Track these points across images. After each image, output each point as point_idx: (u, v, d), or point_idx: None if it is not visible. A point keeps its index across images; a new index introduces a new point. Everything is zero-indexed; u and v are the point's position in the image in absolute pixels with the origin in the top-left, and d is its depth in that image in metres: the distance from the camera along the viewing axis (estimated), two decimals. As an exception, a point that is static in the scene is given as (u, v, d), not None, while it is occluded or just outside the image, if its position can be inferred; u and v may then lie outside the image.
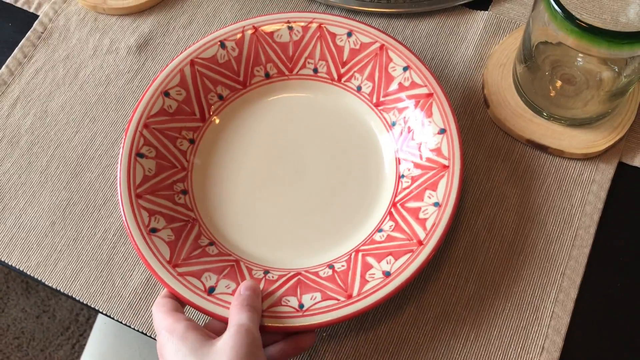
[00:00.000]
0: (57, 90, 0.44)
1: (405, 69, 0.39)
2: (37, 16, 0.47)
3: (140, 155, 0.38)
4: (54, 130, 0.43)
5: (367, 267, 0.35)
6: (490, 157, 0.40)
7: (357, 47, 0.40)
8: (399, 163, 0.38)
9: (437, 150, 0.37)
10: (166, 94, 0.39)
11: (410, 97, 0.38)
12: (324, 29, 0.40)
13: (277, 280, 0.35)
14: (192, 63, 0.40)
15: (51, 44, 0.46)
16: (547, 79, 0.40)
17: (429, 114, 0.38)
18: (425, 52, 0.44)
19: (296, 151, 0.40)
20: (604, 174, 0.39)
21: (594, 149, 0.39)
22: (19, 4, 0.48)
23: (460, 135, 0.37)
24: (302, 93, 0.41)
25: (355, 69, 0.40)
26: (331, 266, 0.36)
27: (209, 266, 0.36)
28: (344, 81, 0.41)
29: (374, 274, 0.34)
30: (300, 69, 0.41)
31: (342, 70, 0.40)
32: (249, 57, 0.41)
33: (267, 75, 0.41)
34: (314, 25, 0.40)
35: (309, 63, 0.41)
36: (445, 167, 0.36)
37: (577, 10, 0.42)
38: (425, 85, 0.38)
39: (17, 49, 0.46)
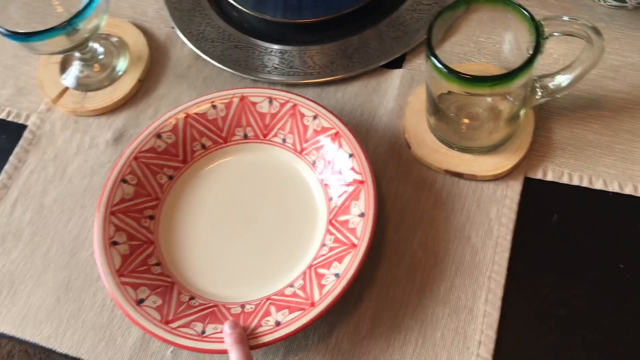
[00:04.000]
0: (49, 186, 0.52)
1: (314, 117, 0.48)
2: (26, 126, 0.55)
3: (124, 180, 0.47)
4: (50, 220, 0.50)
5: (320, 276, 0.43)
6: (418, 189, 0.48)
7: (276, 110, 0.49)
8: (328, 187, 0.47)
9: (352, 170, 0.46)
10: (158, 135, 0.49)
11: (324, 137, 0.48)
12: (246, 100, 0.50)
13: (254, 310, 0.43)
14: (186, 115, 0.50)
15: (41, 147, 0.54)
16: (454, 120, 0.48)
17: (340, 146, 0.47)
18: (355, 110, 0.52)
19: (244, 203, 0.48)
20: (514, 189, 0.47)
21: (501, 170, 0.47)
22: (10, 118, 0.56)
23: (367, 157, 0.46)
24: (238, 154, 0.50)
25: (278, 126, 0.50)
26: (292, 285, 0.44)
27: (196, 316, 0.43)
28: (270, 138, 0.50)
29: (327, 278, 0.42)
30: (232, 136, 0.50)
31: (266, 131, 0.50)
32: (185, 137, 0.50)
33: (204, 147, 0.50)
34: (236, 100, 0.50)
35: (238, 131, 0.50)
36: (362, 181, 0.45)
37: (461, 57, 0.51)
38: (333, 127, 0.47)
39: (12, 155, 0.54)
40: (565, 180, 0.47)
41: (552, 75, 0.46)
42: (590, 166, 0.47)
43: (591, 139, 0.48)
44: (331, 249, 0.44)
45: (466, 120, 0.48)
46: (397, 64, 0.54)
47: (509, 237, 0.45)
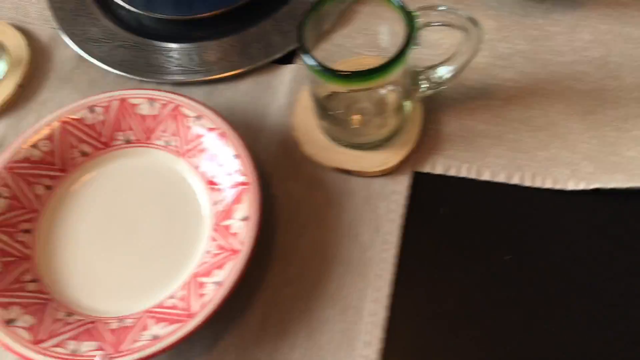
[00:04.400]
0: None
1: (198, 117, 0.46)
2: None
3: None
4: None
5: (200, 285, 0.41)
6: (309, 187, 0.47)
7: (157, 111, 0.47)
8: (213, 191, 0.45)
9: (237, 172, 0.44)
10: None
11: (207, 138, 0.46)
12: (126, 102, 0.47)
13: (133, 325, 0.41)
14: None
15: None
16: (343, 119, 0.46)
17: (224, 146, 0.45)
18: (246, 107, 0.50)
19: (126, 212, 0.46)
20: (402, 184, 0.46)
21: (388, 165, 0.46)
22: None
23: (253, 157, 0.44)
24: (120, 160, 0.48)
25: (160, 129, 0.47)
26: (173, 296, 0.42)
27: (71, 334, 0.41)
28: (153, 141, 0.48)
29: (207, 287, 0.41)
30: (114, 141, 0.48)
31: (148, 134, 0.48)
32: (62, 144, 0.47)
33: (84, 154, 0.48)
34: (116, 103, 0.47)
35: (119, 136, 0.48)
36: (246, 183, 0.43)
37: (352, 50, 0.50)
38: (217, 128, 0.46)
39: None
40: (453, 172, 0.46)
41: (434, 67, 0.45)
42: (479, 157, 0.46)
43: (481, 130, 0.47)
44: (214, 256, 0.43)
45: (355, 117, 0.47)
46: (288, 59, 0.52)
47: (396, 233, 0.44)
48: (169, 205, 0.46)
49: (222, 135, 0.45)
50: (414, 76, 0.45)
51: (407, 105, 0.46)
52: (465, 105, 0.48)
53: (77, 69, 0.53)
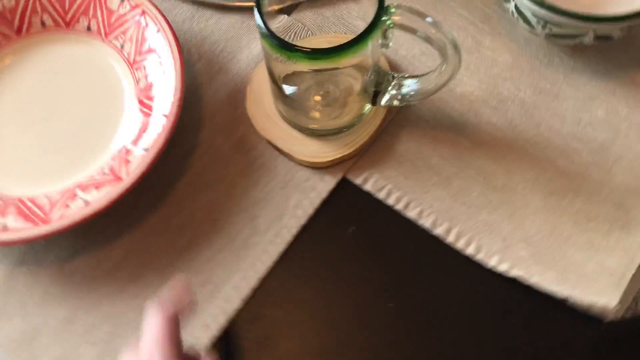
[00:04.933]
0: None
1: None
2: None
3: None
4: None
5: (127, 152, 0.41)
6: (235, 149, 0.43)
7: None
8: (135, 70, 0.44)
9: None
10: None
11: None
12: None
13: (60, 197, 0.40)
14: None
15: None
16: (298, 96, 0.42)
17: (145, 27, 0.44)
18: (218, 43, 0.47)
19: (46, 97, 0.44)
20: (326, 184, 0.42)
21: (320, 159, 0.41)
22: None
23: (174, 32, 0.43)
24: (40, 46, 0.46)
25: (80, 12, 0.45)
26: (101, 168, 0.41)
27: None
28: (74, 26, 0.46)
29: (135, 154, 0.40)
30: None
31: (68, 18, 0.46)
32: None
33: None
34: None
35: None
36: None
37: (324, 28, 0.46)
38: (138, 5, 0.44)
39: None
40: (381, 195, 0.41)
41: (403, 77, 0.40)
42: (417, 191, 0.41)
43: (434, 163, 0.42)
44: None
45: (316, 98, 0.43)
46: (288, 10, 0.48)
47: (294, 230, 0.41)
48: (92, 87, 0.44)
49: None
50: (381, 78, 0.40)
51: (368, 107, 0.42)
52: (431, 132, 0.43)
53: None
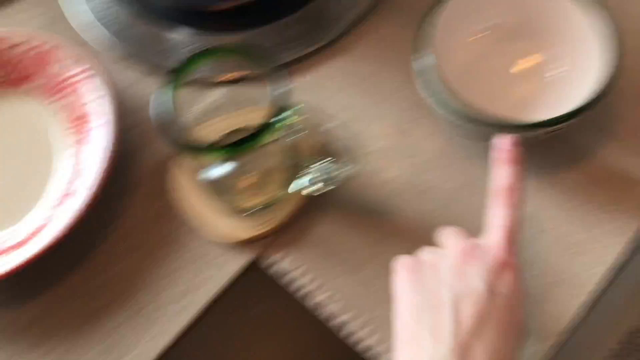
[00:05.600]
0: None
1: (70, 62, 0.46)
2: None
3: None
4: None
5: None
6: (156, 218, 0.44)
7: (24, 54, 0.47)
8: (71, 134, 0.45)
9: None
10: None
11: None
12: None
13: None
14: None
15: None
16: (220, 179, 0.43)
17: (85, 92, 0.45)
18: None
19: None
20: (237, 262, 0.42)
21: (234, 237, 0.42)
22: None
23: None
24: None
25: (27, 72, 0.47)
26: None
27: None
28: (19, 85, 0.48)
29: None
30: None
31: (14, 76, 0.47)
32: None
33: None
34: None
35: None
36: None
37: None
38: (84, 70, 0.45)
39: None
40: (292, 277, 0.41)
41: (316, 163, 0.40)
42: (327, 275, 0.41)
43: (348, 249, 0.42)
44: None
45: (238, 179, 0.43)
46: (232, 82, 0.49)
47: (198, 306, 0.41)
48: (25, 148, 0.46)
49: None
50: (294, 163, 0.41)
51: (285, 191, 0.42)
52: (349, 216, 0.43)
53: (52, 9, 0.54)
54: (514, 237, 0.35)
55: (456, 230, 0.36)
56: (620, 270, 0.41)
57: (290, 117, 0.36)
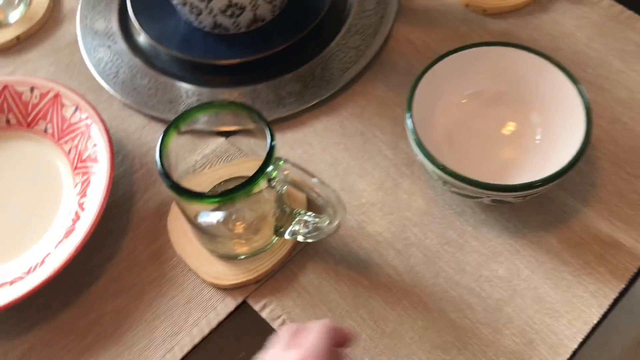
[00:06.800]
0: None
1: (75, 109, 0.50)
2: None
3: None
4: None
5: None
6: (151, 259, 0.46)
7: (37, 99, 0.51)
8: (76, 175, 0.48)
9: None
10: None
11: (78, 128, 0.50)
12: (8, 88, 0.51)
13: None
14: None
15: None
16: (212, 225, 0.45)
17: (89, 137, 0.49)
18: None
19: None
20: (226, 306, 0.44)
21: (223, 282, 0.44)
22: None
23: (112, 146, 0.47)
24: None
25: (39, 116, 0.51)
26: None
27: None
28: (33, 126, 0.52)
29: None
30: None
31: (29, 119, 0.51)
32: None
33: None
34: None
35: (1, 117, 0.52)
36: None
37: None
38: (89, 117, 0.49)
39: None
40: (276, 325, 0.43)
41: (305, 214, 0.42)
42: (310, 325, 0.43)
43: (331, 299, 0.43)
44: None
45: (230, 226, 0.45)
46: (226, 134, 0.51)
47: (186, 349, 0.42)
48: (33, 190, 0.49)
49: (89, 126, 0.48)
50: (284, 212, 0.43)
51: (274, 238, 0.44)
52: (334, 266, 0.45)
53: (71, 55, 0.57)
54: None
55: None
56: (594, 331, 0.42)
57: (280, 169, 0.38)
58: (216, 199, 0.38)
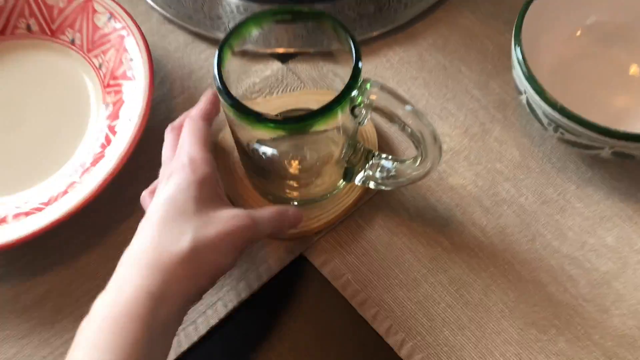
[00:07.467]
0: None
1: (109, 17, 0.42)
2: None
3: None
4: None
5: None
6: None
7: (65, 4, 0.43)
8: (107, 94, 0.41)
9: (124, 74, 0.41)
10: None
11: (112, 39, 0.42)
12: None
13: None
14: None
15: None
16: (271, 161, 0.37)
17: (125, 50, 0.41)
18: (206, 79, 0.43)
19: (13, 104, 0.42)
20: (280, 259, 0.37)
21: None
22: None
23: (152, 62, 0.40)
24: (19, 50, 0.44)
25: (66, 23, 0.43)
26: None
27: None
28: (58, 35, 0.44)
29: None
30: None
31: (54, 26, 0.43)
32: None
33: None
34: None
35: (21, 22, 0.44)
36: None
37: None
38: (124, 27, 0.41)
39: None
40: (337, 285, 0.36)
41: (379, 155, 0.35)
42: (377, 288, 0.36)
43: (403, 260, 0.36)
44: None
45: (290, 163, 0.38)
46: (286, 57, 0.44)
47: (230, 305, 0.36)
48: (59, 103, 0.42)
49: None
50: (357, 154, 0.35)
51: (341, 183, 0.37)
52: (408, 222, 0.38)
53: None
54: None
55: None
56: None
57: (365, 94, 0.31)
58: (287, 125, 0.31)
